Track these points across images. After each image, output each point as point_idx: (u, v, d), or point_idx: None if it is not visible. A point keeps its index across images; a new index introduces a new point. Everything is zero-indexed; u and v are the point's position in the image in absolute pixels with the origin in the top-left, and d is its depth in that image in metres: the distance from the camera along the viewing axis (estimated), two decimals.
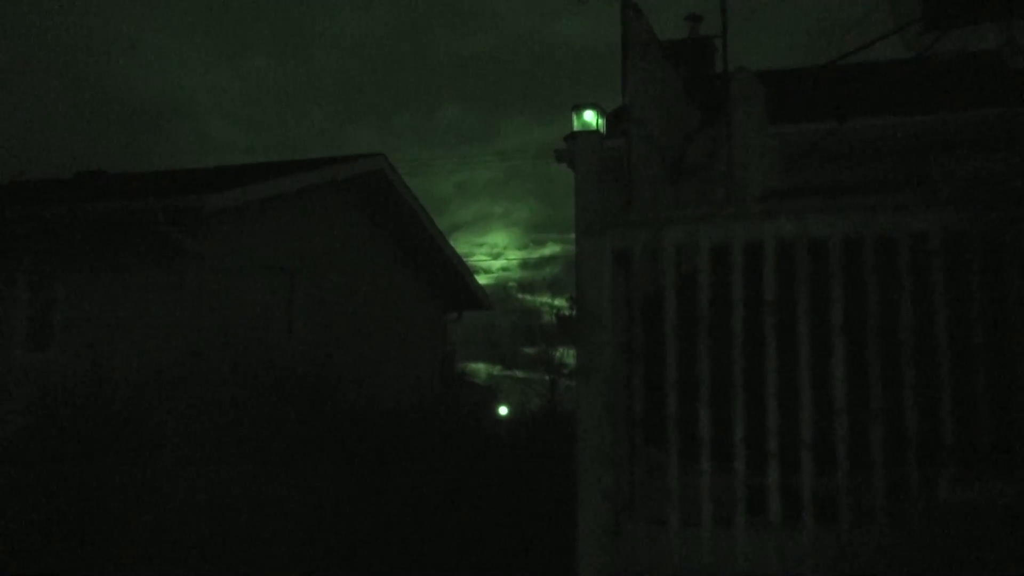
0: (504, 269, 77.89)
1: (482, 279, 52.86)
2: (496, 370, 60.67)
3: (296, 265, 21.93)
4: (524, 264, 72.64)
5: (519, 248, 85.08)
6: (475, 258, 67.15)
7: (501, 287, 63.49)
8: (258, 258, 20.76)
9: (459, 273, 27.17)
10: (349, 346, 22.94)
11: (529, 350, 59.80)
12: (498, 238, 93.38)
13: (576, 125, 7.31)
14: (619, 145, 7.19)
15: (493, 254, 79.57)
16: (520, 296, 63.22)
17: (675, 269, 5.92)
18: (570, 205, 5.96)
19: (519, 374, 58.84)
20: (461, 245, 75.85)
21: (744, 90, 8.66)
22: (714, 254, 5.93)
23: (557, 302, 60.71)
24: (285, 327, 21.60)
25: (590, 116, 7.37)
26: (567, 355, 56.76)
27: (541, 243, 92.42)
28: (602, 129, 7.69)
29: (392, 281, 25.43)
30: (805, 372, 5.78)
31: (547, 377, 56.79)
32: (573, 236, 6.04)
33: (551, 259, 69.09)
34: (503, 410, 45.87)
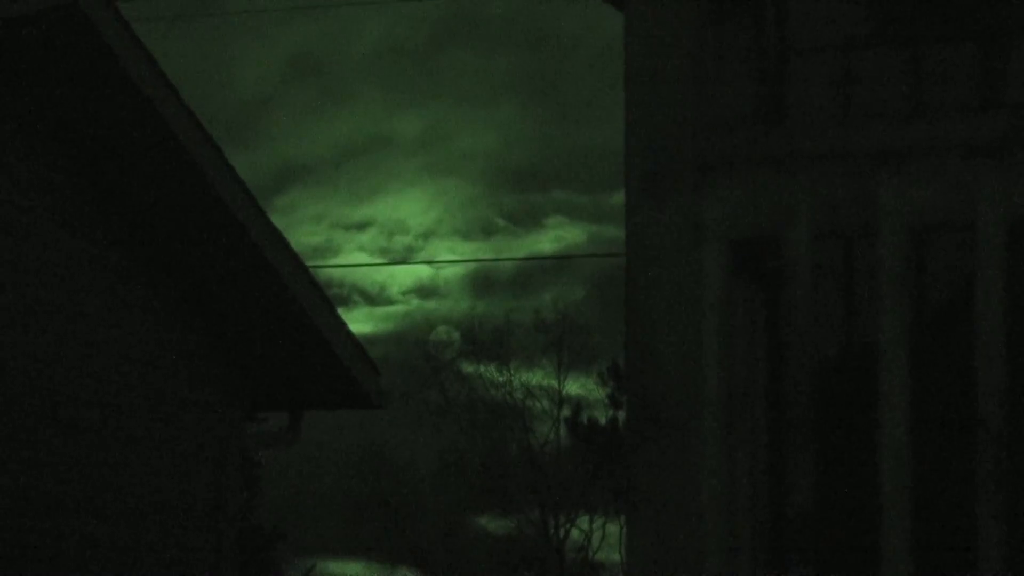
0: (423, 292, 36.63)
1: (360, 320, 25.90)
2: None
3: None
4: (480, 280, 33.27)
5: (465, 235, 39.31)
6: (341, 258, 32.37)
7: (416, 342, 28.49)
8: None
9: (294, 302, 11.97)
10: None
11: (493, 524, 27.18)
12: (409, 207, 44.32)
13: None
14: None
15: (392, 255, 35.12)
16: (469, 370, 28.60)
17: (908, 288, 3.06)
18: (611, 115, 2.66)
19: None
20: (303, 224, 35.50)
21: None
22: None
23: (571, 388, 28.45)
24: None
25: None
26: (604, 542, 26.49)
27: (529, 219, 43.79)
28: None
29: (87, 317, 11.34)
30: None
31: None
32: (620, 198, 3.46)
33: (555, 265, 31.65)
34: None
